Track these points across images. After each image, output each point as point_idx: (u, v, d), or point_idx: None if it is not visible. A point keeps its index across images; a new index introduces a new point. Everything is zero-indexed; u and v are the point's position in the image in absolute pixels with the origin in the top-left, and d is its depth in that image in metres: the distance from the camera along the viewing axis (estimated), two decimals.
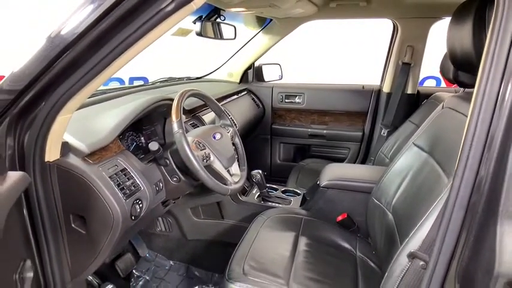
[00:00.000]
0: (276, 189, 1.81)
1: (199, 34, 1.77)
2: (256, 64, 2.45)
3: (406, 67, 2.07)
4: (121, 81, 3.47)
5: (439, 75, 1.84)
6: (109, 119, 1.06)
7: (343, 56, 4.32)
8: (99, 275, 1.37)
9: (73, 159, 0.85)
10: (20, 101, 0.71)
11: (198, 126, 1.45)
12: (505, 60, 0.57)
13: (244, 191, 1.80)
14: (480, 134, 0.59)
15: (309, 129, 2.43)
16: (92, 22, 0.63)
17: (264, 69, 2.48)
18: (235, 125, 1.71)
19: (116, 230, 0.89)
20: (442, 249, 0.63)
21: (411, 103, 2.13)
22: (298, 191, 1.80)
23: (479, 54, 0.70)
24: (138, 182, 1.00)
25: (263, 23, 2.25)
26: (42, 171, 0.79)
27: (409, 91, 2.14)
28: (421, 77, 2.16)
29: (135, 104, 1.15)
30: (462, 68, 1.04)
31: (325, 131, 2.40)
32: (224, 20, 1.87)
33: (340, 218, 1.46)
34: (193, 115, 1.56)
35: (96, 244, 0.90)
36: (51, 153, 0.79)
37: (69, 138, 0.87)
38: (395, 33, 2.13)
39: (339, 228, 1.43)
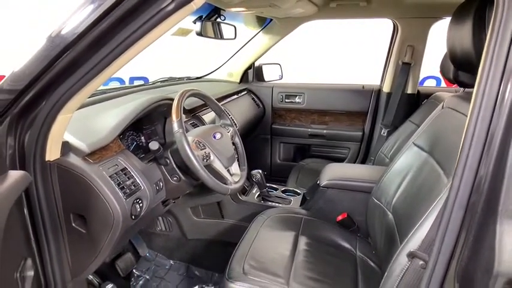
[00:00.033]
0: (276, 189, 1.82)
1: (200, 34, 1.78)
2: (257, 64, 2.45)
3: (406, 67, 2.07)
4: (121, 81, 3.47)
5: (439, 75, 1.84)
6: (109, 118, 1.06)
7: (343, 56, 4.32)
8: (100, 274, 1.37)
9: (73, 159, 0.85)
10: (21, 100, 0.72)
11: (198, 126, 1.45)
12: (504, 59, 0.57)
13: (244, 191, 1.80)
14: (480, 134, 0.59)
15: (309, 129, 2.43)
16: (92, 22, 0.64)
17: (264, 69, 2.48)
18: (235, 124, 1.71)
19: (116, 229, 0.89)
20: (442, 249, 0.64)
21: (411, 103, 2.13)
22: (298, 191, 1.80)
23: (479, 54, 0.70)
24: (138, 181, 1.01)
25: (263, 23, 2.25)
26: (43, 171, 0.79)
27: (409, 91, 2.14)
28: (421, 77, 2.16)
29: (135, 104, 1.15)
30: (462, 67, 1.04)
31: (325, 131, 2.40)
32: (224, 19, 1.87)
33: (340, 217, 1.46)
34: (193, 115, 1.56)
35: (96, 243, 0.91)
36: (52, 153, 0.79)
37: (69, 137, 0.87)
38: (395, 33, 2.13)
39: (339, 227, 1.43)
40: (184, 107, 1.27)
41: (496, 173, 0.56)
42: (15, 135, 0.75)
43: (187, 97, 1.17)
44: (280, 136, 2.51)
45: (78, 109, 0.80)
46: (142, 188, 1.01)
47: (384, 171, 1.28)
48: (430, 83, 3.89)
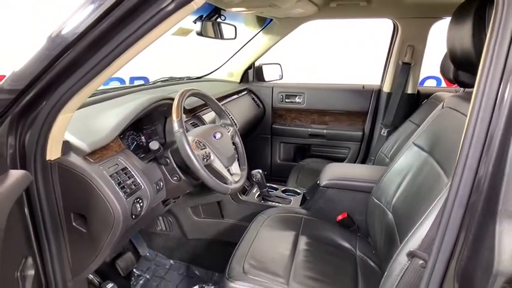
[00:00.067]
0: (276, 189, 1.82)
1: (200, 34, 1.78)
2: (257, 64, 2.46)
3: (407, 67, 2.07)
4: (121, 80, 3.47)
5: (440, 75, 1.84)
6: (110, 118, 1.06)
7: (343, 56, 4.32)
8: (100, 273, 1.37)
9: (74, 158, 0.85)
10: (21, 100, 0.72)
11: (199, 126, 1.45)
12: (504, 59, 0.57)
13: (244, 191, 1.81)
14: (479, 134, 0.59)
15: (309, 129, 2.43)
16: (93, 22, 0.64)
17: (265, 69, 2.48)
18: (235, 124, 1.71)
19: (117, 228, 0.90)
20: (442, 248, 0.64)
21: (411, 103, 2.14)
22: (298, 191, 1.80)
23: (479, 54, 0.70)
24: (138, 181, 1.01)
25: (263, 23, 2.25)
26: (44, 170, 0.79)
27: (409, 91, 2.14)
28: (421, 77, 2.16)
29: (135, 104, 1.16)
30: (462, 67, 1.04)
31: (325, 131, 2.40)
32: (224, 19, 1.87)
33: (340, 217, 1.46)
34: (193, 114, 1.56)
35: (96, 243, 0.91)
36: (52, 152, 0.79)
37: (70, 137, 0.87)
38: (395, 33, 2.13)
39: (339, 227, 1.43)
40: (184, 107, 1.28)
41: (496, 173, 0.56)
42: (15, 134, 0.75)
43: (188, 97, 1.17)
44: (280, 136, 2.51)
45: (78, 109, 0.80)
46: (142, 187, 1.01)
47: (384, 171, 1.28)
48: (431, 83, 3.89)
